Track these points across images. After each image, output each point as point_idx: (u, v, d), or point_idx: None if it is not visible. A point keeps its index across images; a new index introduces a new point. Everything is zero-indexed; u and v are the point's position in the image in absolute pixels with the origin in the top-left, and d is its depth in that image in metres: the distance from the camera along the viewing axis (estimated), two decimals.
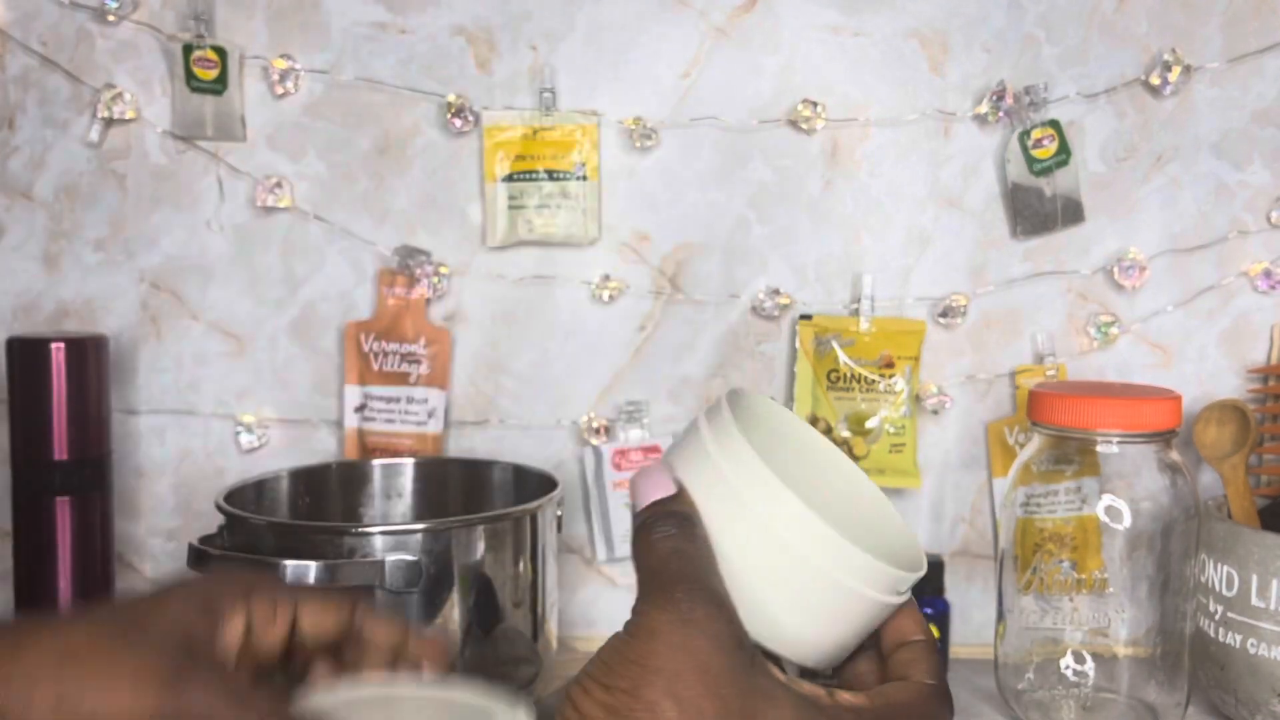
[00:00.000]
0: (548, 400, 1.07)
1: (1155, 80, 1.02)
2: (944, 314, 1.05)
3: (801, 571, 0.46)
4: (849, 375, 1.04)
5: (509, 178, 1.04)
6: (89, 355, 0.97)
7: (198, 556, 0.82)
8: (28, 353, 0.95)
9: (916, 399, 1.05)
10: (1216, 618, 0.90)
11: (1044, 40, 1.03)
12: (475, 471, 1.03)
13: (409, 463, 1.04)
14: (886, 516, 0.54)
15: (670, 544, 0.44)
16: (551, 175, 1.04)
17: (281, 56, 1.04)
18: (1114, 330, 1.04)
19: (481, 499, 1.02)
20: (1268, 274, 1.03)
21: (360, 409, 1.07)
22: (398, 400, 1.06)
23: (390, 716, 0.48)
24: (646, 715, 0.40)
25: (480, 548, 0.84)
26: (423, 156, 1.05)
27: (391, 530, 0.82)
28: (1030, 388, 0.94)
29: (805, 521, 0.46)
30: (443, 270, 1.05)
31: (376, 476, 1.03)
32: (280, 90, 1.04)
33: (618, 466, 1.06)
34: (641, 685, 0.41)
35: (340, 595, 0.49)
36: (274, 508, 0.97)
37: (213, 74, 1.03)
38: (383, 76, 1.04)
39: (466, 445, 1.08)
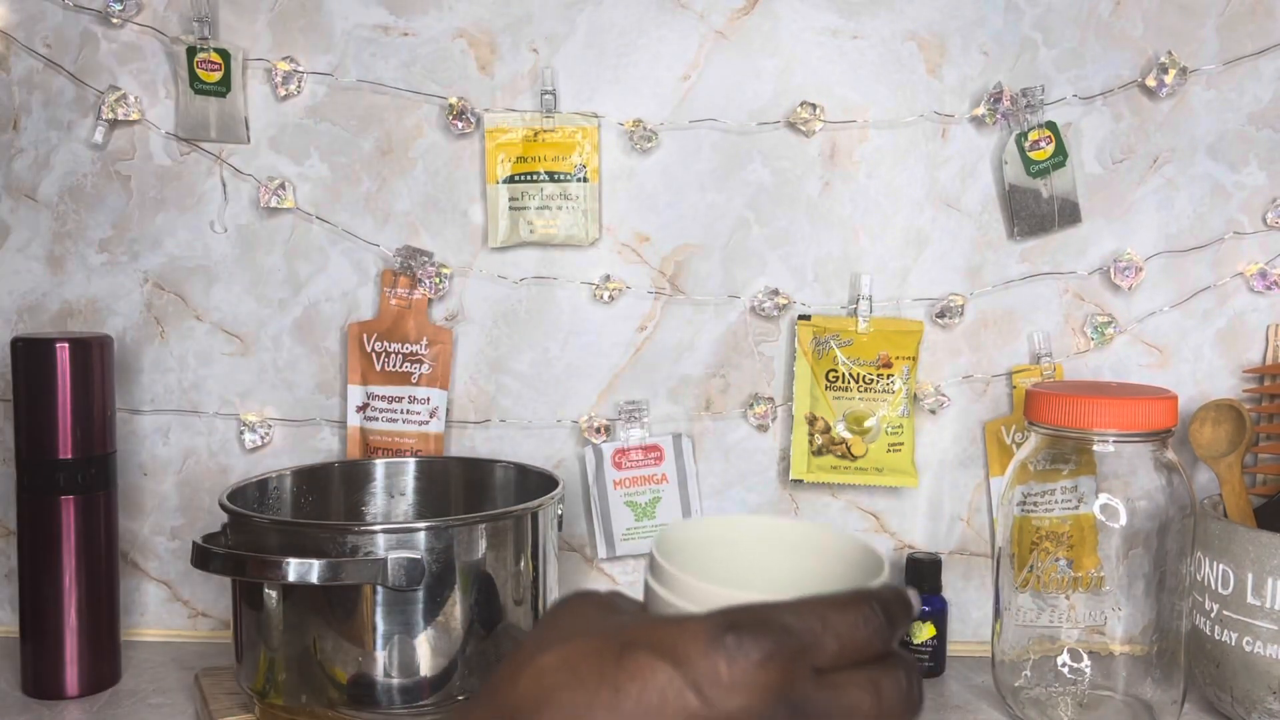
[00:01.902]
0: (549, 400, 1.08)
1: (1151, 82, 1.02)
2: (941, 314, 1.06)
3: None
4: (847, 375, 1.05)
5: (510, 179, 1.05)
6: (93, 355, 0.97)
7: (201, 555, 0.82)
8: (33, 353, 0.95)
9: (914, 398, 1.06)
10: (1212, 616, 0.90)
11: (1041, 43, 1.04)
12: (477, 470, 1.04)
13: (411, 462, 1.04)
14: (840, 542, 0.55)
15: None
16: (552, 177, 1.05)
17: (284, 59, 1.04)
18: (1110, 330, 1.05)
19: (483, 498, 1.03)
20: (1263, 274, 1.04)
21: (363, 408, 1.07)
22: (400, 400, 1.07)
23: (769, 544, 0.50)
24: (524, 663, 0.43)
25: (482, 546, 0.85)
26: (425, 158, 1.06)
27: (394, 529, 0.83)
28: (1027, 387, 0.94)
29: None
30: (444, 271, 1.06)
31: (379, 475, 1.04)
32: (283, 92, 1.05)
33: (618, 465, 1.07)
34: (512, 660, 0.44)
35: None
36: (277, 506, 0.98)
37: (216, 76, 1.03)
38: (385, 79, 1.05)
39: (468, 444, 1.08)
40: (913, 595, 0.46)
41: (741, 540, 0.55)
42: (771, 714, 0.41)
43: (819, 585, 0.47)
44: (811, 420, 1.06)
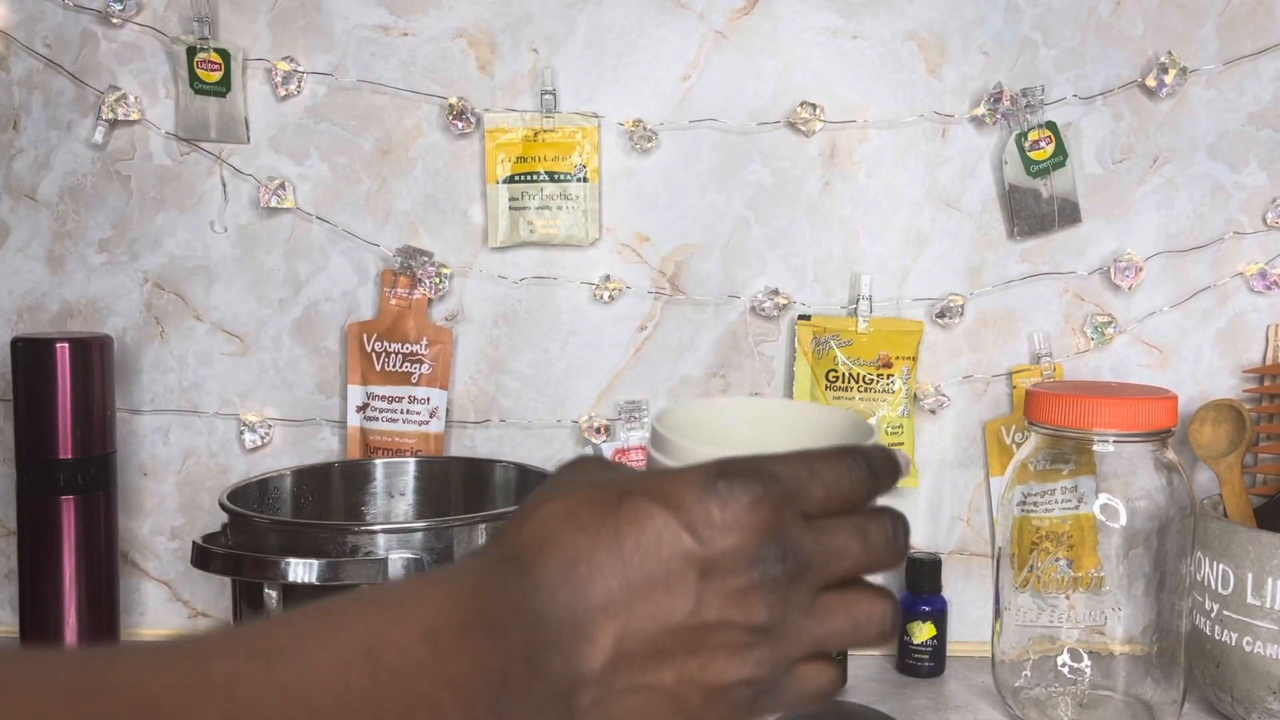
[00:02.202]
0: (548, 400, 1.08)
1: (1151, 82, 1.02)
2: (941, 314, 1.06)
3: None
4: (847, 375, 1.05)
5: (510, 179, 1.05)
6: (93, 355, 0.97)
7: (201, 555, 0.82)
8: (33, 353, 0.95)
9: (914, 398, 1.06)
10: (1212, 615, 0.90)
11: (1041, 43, 1.04)
12: (477, 470, 1.04)
13: (411, 462, 1.04)
14: (834, 416, 0.57)
15: None
16: (552, 177, 1.05)
17: (284, 59, 1.04)
18: (1110, 330, 1.05)
19: (483, 498, 1.03)
20: (1263, 275, 1.04)
21: (363, 408, 1.07)
22: (400, 400, 1.07)
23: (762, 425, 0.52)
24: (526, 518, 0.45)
25: None
26: (425, 158, 1.06)
27: (394, 528, 0.83)
28: (1027, 387, 0.94)
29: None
30: (444, 271, 1.06)
31: (379, 475, 1.04)
32: (283, 92, 1.05)
33: None
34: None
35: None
36: (277, 506, 0.98)
37: (216, 76, 1.04)
38: (385, 79, 1.05)
39: (468, 444, 1.08)
40: (901, 456, 0.48)
41: (739, 417, 0.57)
42: (762, 553, 0.43)
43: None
44: None
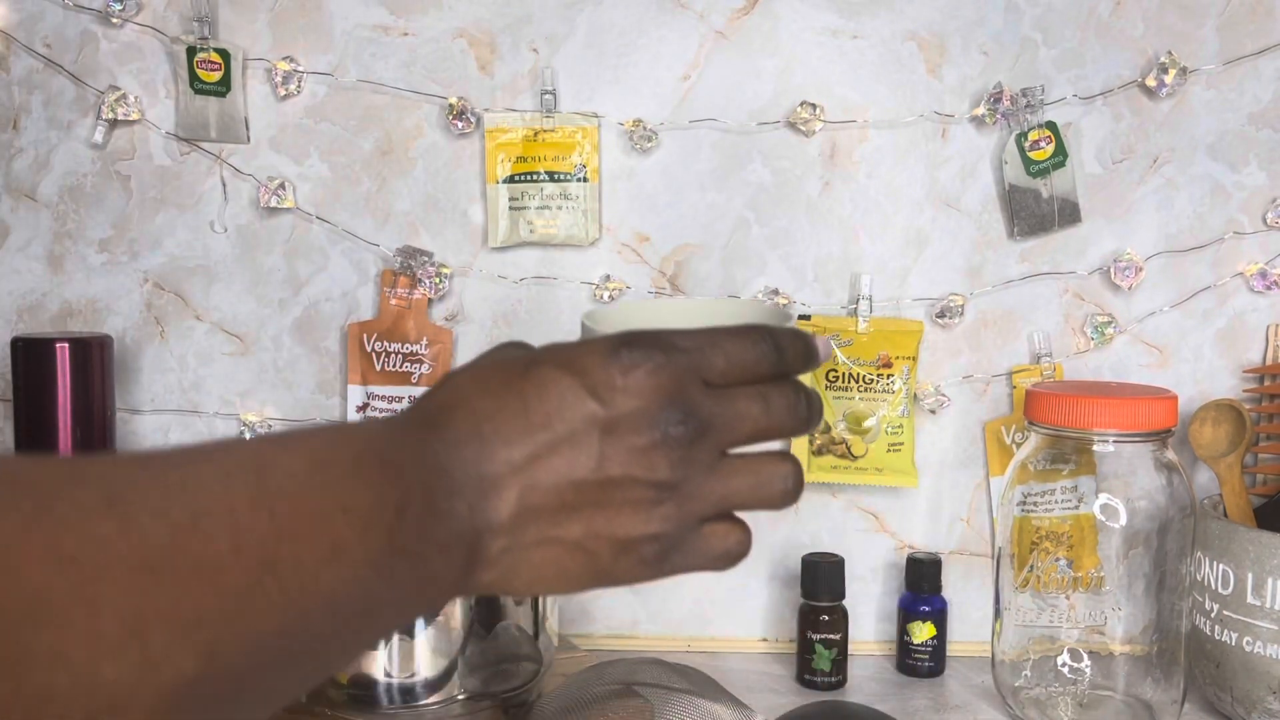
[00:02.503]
0: None
1: (1151, 82, 1.02)
2: (941, 314, 1.06)
3: None
4: (847, 375, 1.05)
5: (510, 179, 1.05)
6: (93, 355, 0.97)
7: None
8: (32, 353, 0.95)
9: (914, 398, 1.06)
10: (1212, 615, 0.90)
11: (1041, 43, 1.04)
12: None
13: None
14: (758, 310, 0.59)
15: None
16: (552, 176, 1.05)
17: (284, 59, 1.04)
18: (1110, 330, 1.05)
19: None
20: (1263, 275, 1.04)
21: (363, 409, 1.07)
22: (400, 400, 1.07)
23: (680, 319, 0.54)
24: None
25: None
26: (425, 158, 1.06)
27: None
28: (1027, 387, 0.94)
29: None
30: (444, 271, 1.06)
31: None
32: (283, 92, 1.05)
33: None
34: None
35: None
36: None
37: (216, 76, 1.04)
38: (385, 79, 1.05)
39: None
40: (821, 341, 0.52)
41: (665, 315, 0.60)
42: (663, 414, 0.46)
43: None
44: None
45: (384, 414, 1.07)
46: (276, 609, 0.36)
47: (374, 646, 0.45)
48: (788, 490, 0.49)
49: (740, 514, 0.50)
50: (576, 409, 0.45)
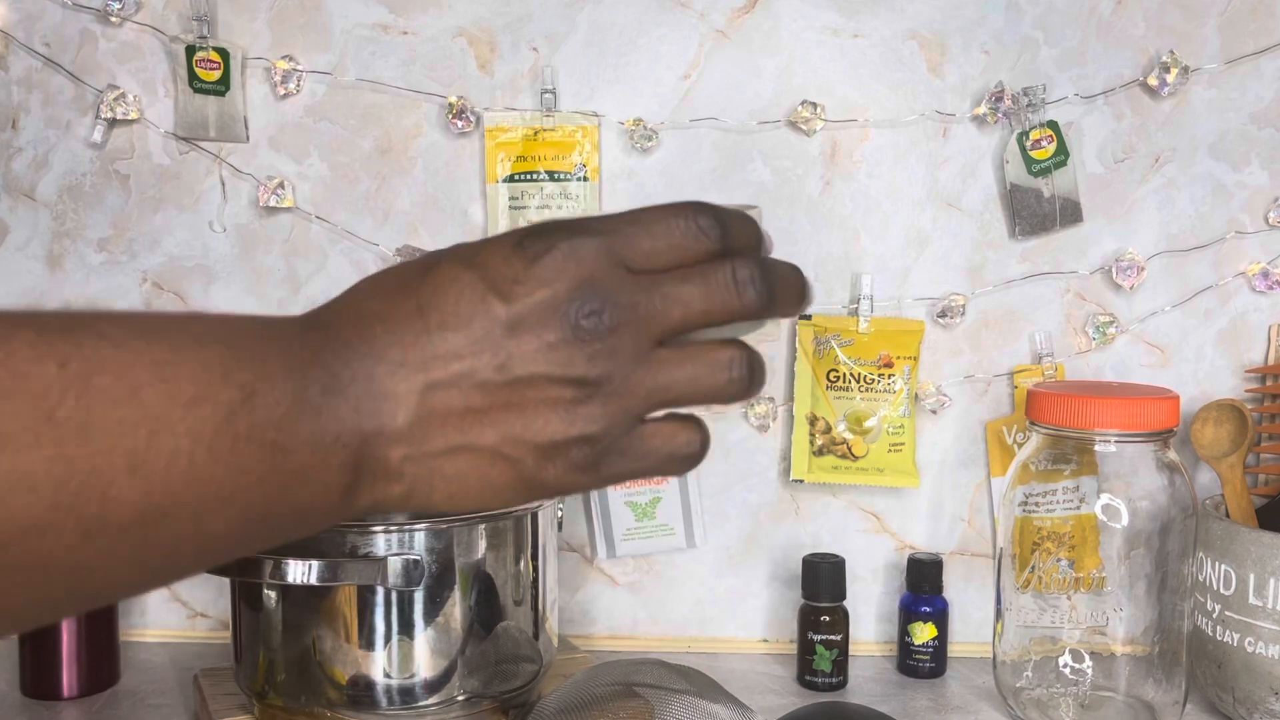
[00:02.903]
0: None
1: (1153, 81, 1.02)
2: (943, 314, 1.05)
3: None
4: (848, 375, 1.05)
5: (510, 178, 1.05)
6: None
7: None
8: None
9: (915, 398, 1.06)
10: (1214, 616, 0.90)
11: (1042, 42, 1.03)
12: None
13: None
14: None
15: None
16: (552, 176, 1.04)
17: (284, 58, 1.04)
18: (1112, 330, 1.05)
19: None
20: (1265, 274, 1.04)
21: None
22: None
23: None
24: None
25: (481, 546, 0.85)
26: (424, 157, 1.06)
27: (394, 529, 0.82)
28: (1028, 387, 0.94)
29: None
30: None
31: None
32: (282, 91, 1.04)
33: None
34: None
35: None
36: None
37: (215, 75, 1.03)
38: (385, 78, 1.05)
39: None
40: (756, 212, 0.46)
41: None
42: (574, 306, 0.42)
43: None
44: (812, 420, 1.06)
45: None
46: (121, 486, 0.36)
47: (260, 545, 0.42)
48: (734, 379, 0.44)
49: (695, 411, 0.46)
50: (475, 305, 0.42)
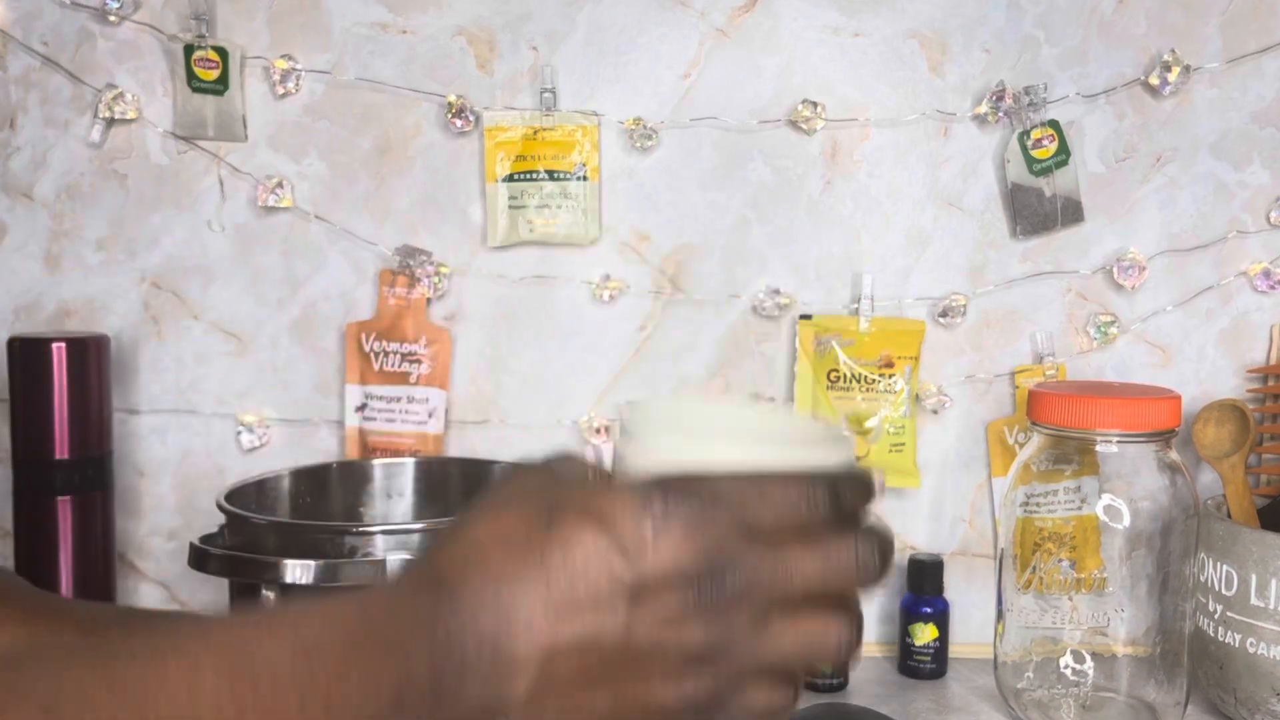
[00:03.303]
0: (548, 400, 1.07)
1: (1154, 81, 1.02)
2: (943, 314, 1.05)
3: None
4: (849, 375, 1.05)
5: (509, 178, 1.04)
6: (90, 355, 0.97)
7: (199, 556, 0.82)
8: (29, 352, 0.95)
9: (916, 399, 1.05)
10: (1216, 617, 0.90)
11: (1043, 41, 1.03)
12: (476, 471, 1.03)
13: (410, 462, 1.04)
14: (807, 425, 0.56)
15: None
16: (552, 175, 1.04)
17: (283, 57, 1.04)
18: (1113, 330, 1.05)
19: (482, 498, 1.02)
20: (1267, 274, 1.04)
21: (361, 408, 1.07)
22: (398, 400, 1.06)
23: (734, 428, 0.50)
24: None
25: None
26: (424, 157, 1.06)
27: (393, 529, 0.82)
28: (1030, 387, 0.94)
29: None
30: (443, 270, 1.05)
31: (377, 476, 1.03)
32: (281, 90, 1.04)
33: None
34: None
35: None
36: (275, 507, 0.97)
37: (214, 74, 1.03)
38: (384, 77, 1.05)
39: (467, 445, 1.08)
40: (877, 475, 0.47)
41: (716, 419, 0.55)
42: (700, 579, 0.41)
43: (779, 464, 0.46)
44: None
45: (382, 415, 1.06)
46: None
47: None
48: (842, 647, 0.44)
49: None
50: (603, 569, 0.41)
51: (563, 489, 0.45)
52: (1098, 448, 0.89)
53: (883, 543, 0.45)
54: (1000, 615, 0.95)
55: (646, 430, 0.48)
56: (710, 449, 0.45)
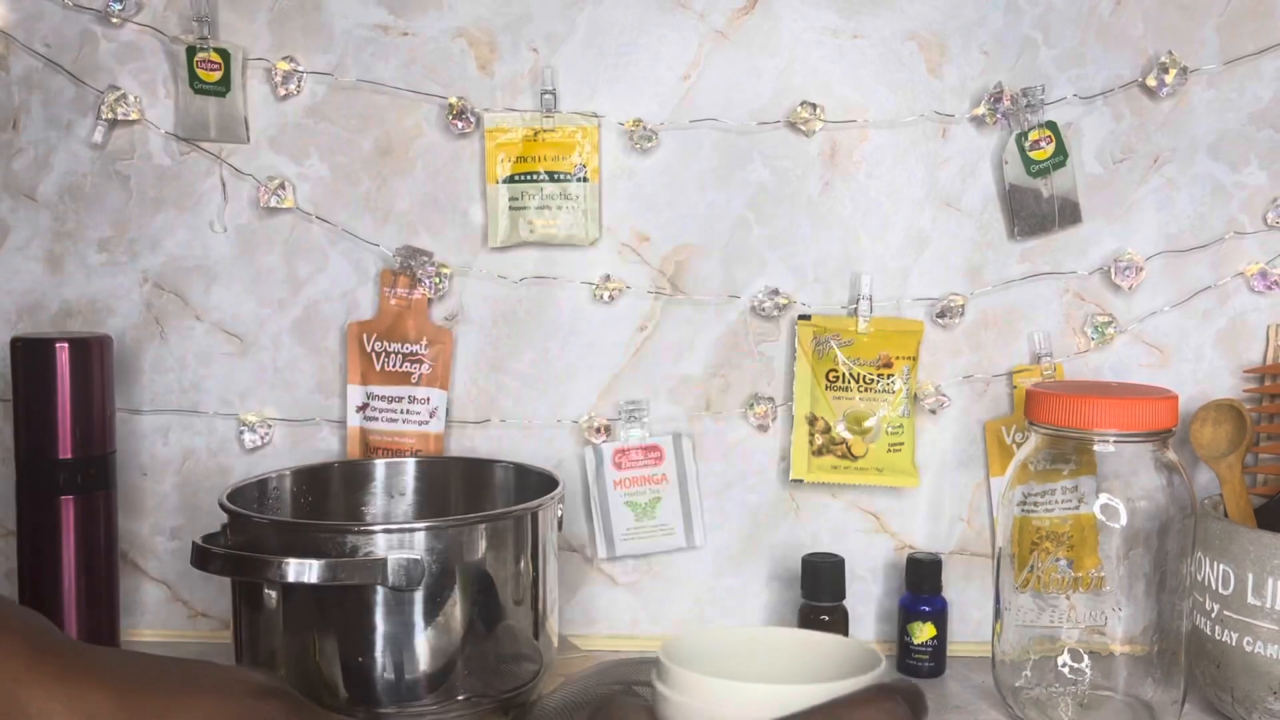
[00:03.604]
0: (549, 400, 1.08)
1: (1152, 82, 1.02)
2: (942, 314, 1.05)
3: None
4: (848, 375, 1.05)
5: (510, 179, 1.05)
6: (93, 355, 0.97)
7: (201, 555, 0.82)
8: (32, 352, 0.95)
9: (914, 399, 1.06)
10: (1213, 616, 0.90)
11: (1041, 42, 1.03)
12: (477, 470, 1.04)
13: (411, 462, 1.04)
14: (836, 644, 0.57)
15: None
16: (552, 176, 1.05)
17: (284, 58, 1.04)
18: (1111, 330, 1.05)
19: (483, 498, 1.03)
20: (1264, 274, 1.04)
21: (362, 408, 1.07)
22: (400, 400, 1.07)
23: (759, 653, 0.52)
24: None
25: (482, 546, 0.85)
26: (424, 158, 1.06)
27: (394, 529, 0.83)
28: (1028, 387, 0.94)
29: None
30: (444, 271, 1.06)
31: (379, 475, 1.04)
32: (283, 92, 1.04)
33: (618, 465, 1.07)
34: None
35: None
36: (277, 507, 0.98)
37: (216, 76, 1.03)
38: (385, 78, 1.05)
39: (468, 444, 1.08)
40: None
41: (742, 646, 0.57)
42: None
43: (817, 682, 0.48)
44: (812, 420, 1.06)
45: (383, 415, 1.07)
46: None
47: None
48: None
49: None
50: None
51: None
52: (1095, 447, 0.90)
53: None
54: (998, 614, 0.95)
55: (691, 672, 0.50)
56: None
